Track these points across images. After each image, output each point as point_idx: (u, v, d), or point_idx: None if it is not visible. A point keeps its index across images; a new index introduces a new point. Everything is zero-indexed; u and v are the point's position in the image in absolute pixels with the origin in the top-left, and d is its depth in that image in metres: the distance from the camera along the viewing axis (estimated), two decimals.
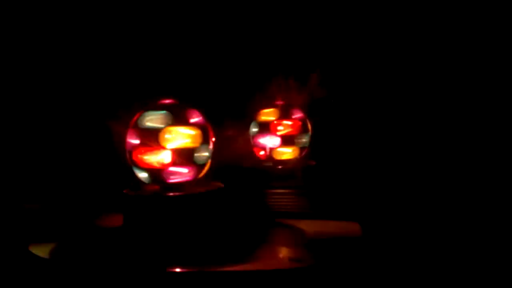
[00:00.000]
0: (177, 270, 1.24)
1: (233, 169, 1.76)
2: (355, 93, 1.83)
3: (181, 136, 1.44)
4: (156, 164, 1.44)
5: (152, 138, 1.43)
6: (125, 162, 1.52)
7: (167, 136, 1.42)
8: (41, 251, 1.38)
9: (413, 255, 1.35)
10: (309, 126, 1.93)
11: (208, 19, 1.76)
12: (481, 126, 1.68)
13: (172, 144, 1.43)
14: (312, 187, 1.76)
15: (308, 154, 1.93)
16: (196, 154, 1.46)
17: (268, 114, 1.91)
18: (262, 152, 1.89)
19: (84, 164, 1.79)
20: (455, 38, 1.67)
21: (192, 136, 1.46)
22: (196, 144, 1.46)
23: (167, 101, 1.49)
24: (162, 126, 1.43)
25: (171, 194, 1.45)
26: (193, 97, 1.55)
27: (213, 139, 1.53)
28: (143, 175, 1.48)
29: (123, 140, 1.50)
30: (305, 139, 1.92)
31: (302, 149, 1.93)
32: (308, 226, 1.59)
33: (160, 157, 1.43)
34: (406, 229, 1.51)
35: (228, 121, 1.82)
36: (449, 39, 1.67)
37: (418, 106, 1.73)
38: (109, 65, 1.76)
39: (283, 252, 1.43)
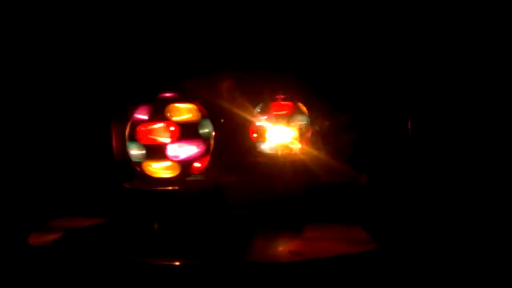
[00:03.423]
0: (176, 263, 1.24)
1: (233, 164, 1.76)
2: (357, 89, 1.82)
3: (184, 110, 1.47)
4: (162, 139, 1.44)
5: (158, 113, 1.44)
6: (124, 156, 1.53)
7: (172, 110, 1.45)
8: (41, 243, 1.38)
9: (413, 251, 1.36)
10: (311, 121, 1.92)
11: (207, 12, 1.76)
12: (484, 126, 1.67)
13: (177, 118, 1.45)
14: (314, 182, 1.75)
15: (310, 149, 1.92)
16: (200, 129, 1.48)
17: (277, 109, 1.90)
18: (255, 135, 1.88)
19: (83, 158, 1.79)
20: (454, 38, 1.66)
21: (193, 110, 1.48)
22: (198, 118, 1.48)
23: (168, 94, 1.51)
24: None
25: (169, 188, 1.46)
26: (194, 91, 1.56)
27: (213, 133, 1.54)
28: (141, 152, 1.47)
29: (124, 126, 1.51)
30: (306, 134, 1.91)
31: (303, 144, 1.92)
32: (309, 220, 1.60)
33: (167, 131, 1.44)
34: (406, 226, 1.52)
35: (229, 116, 1.83)
36: (449, 38, 1.67)
37: (421, 104, 1.72)
38: (110, 60, 1.77)
39: (284, 246, 1.43)
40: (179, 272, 1.22)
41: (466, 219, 1.56)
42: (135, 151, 1.47)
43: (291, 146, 1.84)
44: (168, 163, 1.45)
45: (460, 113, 1.70)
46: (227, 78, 1.85)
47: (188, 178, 1.52)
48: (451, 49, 1.71)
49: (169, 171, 1.47)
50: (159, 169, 1.47)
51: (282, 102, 1.87)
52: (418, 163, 1.72)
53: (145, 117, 1.46)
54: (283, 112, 1.86)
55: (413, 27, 1.72)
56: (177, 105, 1.48)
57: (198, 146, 1.48)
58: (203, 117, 1.51)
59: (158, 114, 1.45)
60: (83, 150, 1.77)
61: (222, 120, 1.81)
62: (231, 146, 1.82)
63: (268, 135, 1.85)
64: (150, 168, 1.47)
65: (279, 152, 1.84)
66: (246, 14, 1.77)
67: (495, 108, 1.67)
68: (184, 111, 1.48)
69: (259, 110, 1.88)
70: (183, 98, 1.51)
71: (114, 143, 1.77)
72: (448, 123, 1.71)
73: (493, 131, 1.67)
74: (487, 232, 1.48)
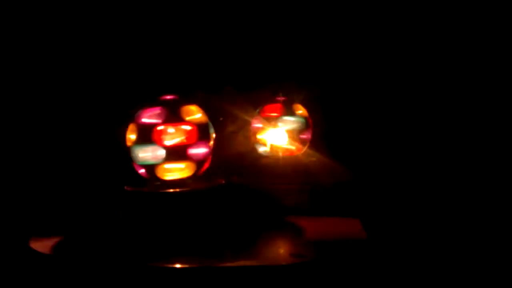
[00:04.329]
0: (177, 266, 1.24)
1: (234, 165, 1.76)
2: (357, 90, 1.81)
3: (175, 133, 1.45)
4: (151, 161, 1.45)
5: (147, 135, 1.43)
6: (125, 159, 1.53)
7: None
8: (42, 246, 1.40)
9: (414, 251, 1.36)
10: (311, 122, 1.92)
11: (209, 15, 1.77)
12: (481, 124, 1.66)
13: (166, 142, 1.44)
14: (314, 184, 1.75)
15: (310, 150, 1.91)
16: (192, 151, 1.46)
17: (271, 110, 1.90)
18: (262, 149, 1.88)
19: (84, 160, 1.81)
20: (453, 38, 1.65)
21: (187, 132, 1.46)
22: (192, 141, 1.46)
23: (167, 96, 1.50)
24: (156, 121, 1.44)
25: (171, 190, 1.46)
26: (194, 93, 1.56)
27: (214, 135, 1.53)
28: (141, 171, 1.49)
29: (123, 137, 1.51)
30: (307, 136, 1.91)
31: (303, 145, 1.91)
32: (310, 222, 1.59)
33: (155, 154, 1.44)
34: (407, 226, 1.51)
35: (229, 117, 1.83)
36: (448, 38, 1.66)
37: (419, 104, 1.72)
38: (111, 61, 1.77)
39: (285, 248, 1.44)
40: (179, 275, 1.23)
41: (465, 218, 1.55)
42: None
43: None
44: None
45: (459, 113, 1.69)
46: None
47: (189, 180, 1.52)
48: (449, 50, 1.70)
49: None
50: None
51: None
52: (417, 163, 1.72)
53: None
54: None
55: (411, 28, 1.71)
56: None
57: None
58: None
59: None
60: (85, 152, 1.79)
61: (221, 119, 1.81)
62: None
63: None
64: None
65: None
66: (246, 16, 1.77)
67: (495, 108, 1.66)
68: None
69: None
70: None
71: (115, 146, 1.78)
72: (447, 123, 1.71)
73: (492, 131, 1.66)
74: (486, 232, 1.47)
